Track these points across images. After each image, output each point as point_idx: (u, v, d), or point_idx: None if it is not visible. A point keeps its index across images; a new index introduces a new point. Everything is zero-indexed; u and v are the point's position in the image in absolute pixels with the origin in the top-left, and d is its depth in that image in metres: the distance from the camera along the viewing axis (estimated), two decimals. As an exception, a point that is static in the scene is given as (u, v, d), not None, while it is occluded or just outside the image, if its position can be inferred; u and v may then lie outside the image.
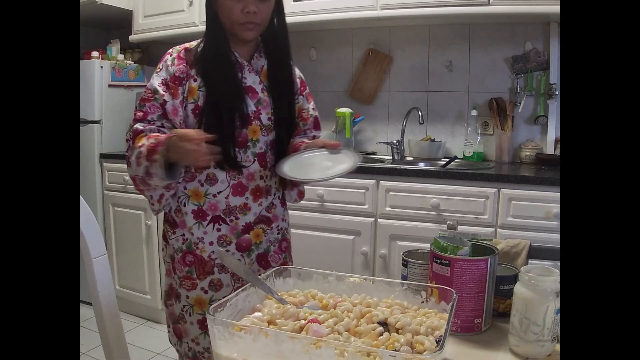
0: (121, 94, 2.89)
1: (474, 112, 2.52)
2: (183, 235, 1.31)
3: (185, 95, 1.24)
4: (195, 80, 1.25)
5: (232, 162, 1.27)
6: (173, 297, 1.36)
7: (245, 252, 1.33)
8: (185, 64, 1.25)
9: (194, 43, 1.30)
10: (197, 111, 1.24)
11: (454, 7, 2.20)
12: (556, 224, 1.89)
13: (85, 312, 2.46)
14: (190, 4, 2.73)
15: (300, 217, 2.24)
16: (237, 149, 1.27)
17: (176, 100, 1.24)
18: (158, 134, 1.21)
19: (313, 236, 2.27)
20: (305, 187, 1.47)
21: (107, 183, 2.79)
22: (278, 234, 1.39)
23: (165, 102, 1.23)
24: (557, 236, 1.83)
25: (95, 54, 2.76)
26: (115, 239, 2.81)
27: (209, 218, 1.29)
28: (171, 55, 1.27)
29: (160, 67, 1.27)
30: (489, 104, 2.49)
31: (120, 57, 2.95)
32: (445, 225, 1.37)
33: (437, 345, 0.66)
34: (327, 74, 2.85)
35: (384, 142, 2.66)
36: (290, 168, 1.23)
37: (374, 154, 2.71)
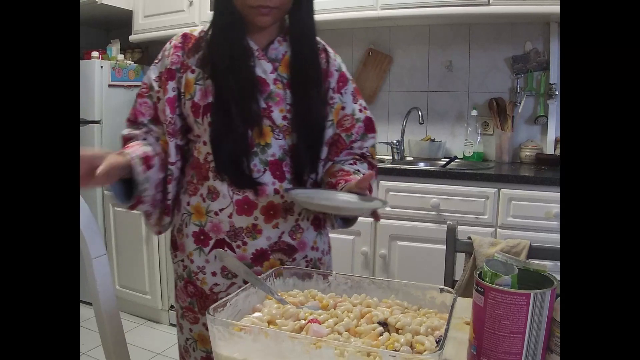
0: (121, 94, 2.89)
1: (474, 112, 2.52)
2: (183, 261, 1.11)
3: (182, 90, 1.04)
4: (192, 72, 1.03)
5: (247, 179, 1.02)
6: (177, 325, 1.19)
7: None
8: (181, 52, 1.05)
9: (197, 29, 1.09)
10: (194, 109, 1.02)
11: (454, 7, 2.20)
12: (556, 224, 1.89)
13: (85, 312, 2.46)
14: (190, 4, 2.73)
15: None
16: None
17: (165, 97, 1.05)
18: (138, 143, 1.05)
19: (313, 236, 2.26)
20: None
21: (107, 183, 2.79)
22: (307, 266, 1.11)
23: (159, 99, 1.06)
24: (557, 236, 1.83)
25: (95, 54, 2.76)
26: (115, 239, 2.81)
27: (211, 242, 1.06)
28: (170, 43, 1.08)
29: (159, 58, 1.09)
30: (489, 104, 2.50)
31: (120, 57, 2.95)
32: (445, 226, 1.37)
33: (437, 345, 0.66)
34: (327, 74, 2.85)
35: (384, 142, 2.66)
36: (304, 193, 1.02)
37: (374, 154, 2.71)
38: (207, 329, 1.04)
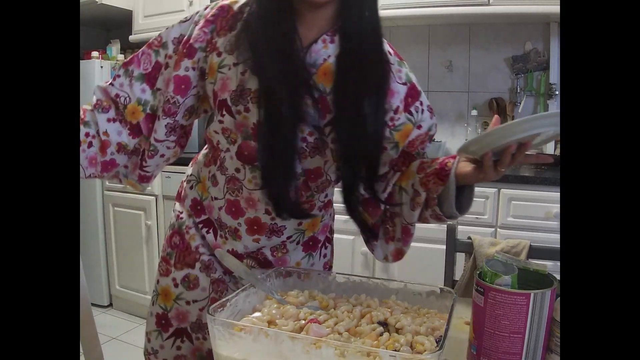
0: (121, 94, 2.89)
1: (474, 112, 2.52)
2: (181, 212, 1.05)
3: (206, 71, 0.89)
4: (219, 55, 0.87)
5: (293, 210, 0.91)
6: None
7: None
8: (210, 28, 0.88)
9: (240, 1, 0.89)
10: (213, 98, 0.89)
11: (454, 7, 2.20)
12: (556, 224, 1.89)
13: (85, 312, 2.46)
14: (190, 4, 2.73)
15: (300, 217, 2.24)
16: (242, 164, 0.92)
17: (174, 72, 0.90)
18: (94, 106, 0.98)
19: (313, 236, 2.26)
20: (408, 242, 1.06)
21: (107, 183, 2.79)
22: None
23: (167, 65, 0.92)
24: (557, 236, 1.83)
25: (95, 54, 2.76)
26: (115, 239, 2.81)
27: (203, 217, 1.02)
28: (205, 10, 0.90)
29: (187, 19, 0.92)
30: (489, 104, 2.50)
31: (120, 57, 2.95)
32: (445, 226, 1.37)
33: (437, 346, 0.66)
34: (327, 74, 2.85)
35: (384, 142, 2.66)
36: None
37: (374, 154, 2.72)
38: (175, 285, 1.03)
